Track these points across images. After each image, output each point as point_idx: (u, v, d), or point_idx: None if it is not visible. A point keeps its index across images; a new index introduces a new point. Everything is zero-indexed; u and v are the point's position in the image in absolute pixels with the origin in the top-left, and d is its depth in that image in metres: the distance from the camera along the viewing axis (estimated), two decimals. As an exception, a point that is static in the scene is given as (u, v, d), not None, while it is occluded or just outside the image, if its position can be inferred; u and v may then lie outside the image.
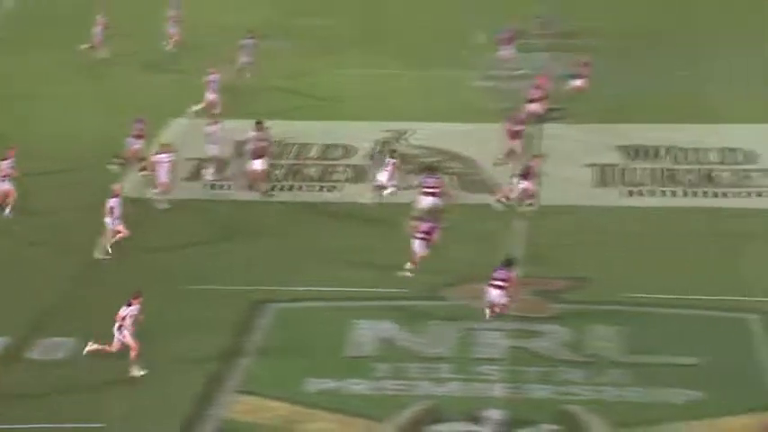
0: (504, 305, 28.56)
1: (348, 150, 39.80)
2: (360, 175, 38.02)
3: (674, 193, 36.59)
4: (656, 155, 39.06)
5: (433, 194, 33.93)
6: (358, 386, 26.08)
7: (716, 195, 36.38)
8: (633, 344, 27.63)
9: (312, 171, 38.34)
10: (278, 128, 38.90)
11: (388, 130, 41.07)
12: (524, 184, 34.49)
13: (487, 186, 36.77)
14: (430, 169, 35.14)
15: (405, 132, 40.97)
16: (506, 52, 47.20)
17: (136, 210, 33.61)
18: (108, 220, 31.86)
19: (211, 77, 41.44)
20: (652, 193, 36.67)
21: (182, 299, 29.74)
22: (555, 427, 24.56)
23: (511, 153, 37.43)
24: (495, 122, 40.06)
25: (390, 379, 26.36)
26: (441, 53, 48.34)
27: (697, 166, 38.21)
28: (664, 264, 31.63)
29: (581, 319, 28.62)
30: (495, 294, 28.46)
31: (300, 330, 28.57)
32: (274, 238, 33.44)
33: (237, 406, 25.46)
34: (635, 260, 31.80)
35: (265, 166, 36.24)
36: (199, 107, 41.01)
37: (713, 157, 38.90)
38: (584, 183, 37.22)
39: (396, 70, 46.84)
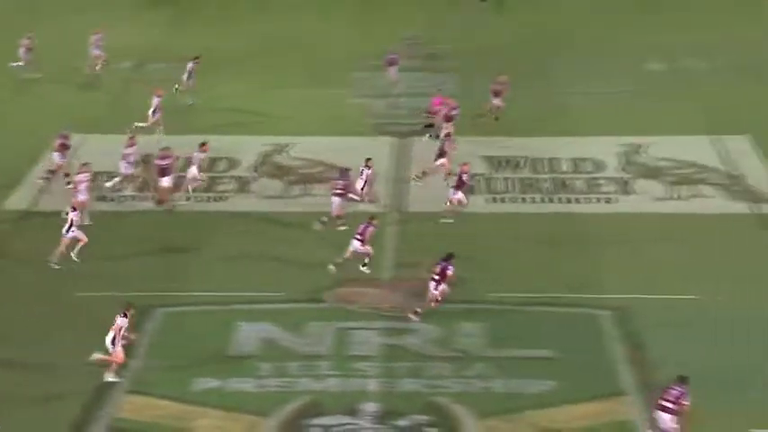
0: (441, 295, 29.18)
1: (232, 163, 40.11)
2: (243, 185, 38.42)
3: (533, 200, 37.52)
4: (517, 165, 39.99)
5: (341, 195, 34.46)
6: (242, 384, 26.47)
7: (569, 201, 37.42)
8: (496, 339, 28.37)
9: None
10: (169, 142, 38.85)
11: (269, 144, 41.48)
12: (458, 195, 35.19)
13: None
14: (342, 171, 35.47)
15: (286, 146, 41.38)
16: (393, 74, 47.96)
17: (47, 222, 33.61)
18: (65, 230, 31.95)
19: (156, 98, 41.40)
20: (514, 200, 37.52)
21: (77, 305, 29.81)
22: (425, 417, 25.24)
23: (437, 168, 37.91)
24: (370, 136, 41.07)
25: (273, 377, 26.77)
26: (321, 73, 48.77)
27: (553, 175, 39.17)
28: (524, 265, 32.40)
29: (448, 318, 29.23)
30: (432, 286, 29.11)
31: (187, 333, 28.82)
32: (165, 247, 33.47)
33: (127, 406, 25.66)
34: (498, 262, 32.48)
35: (171, 183, 36.35)
36: (141, 125, 40.91)
37: (566, 166, 39.81)
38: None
39: (279, 88, 47.07)
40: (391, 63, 48.07)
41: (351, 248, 31.46)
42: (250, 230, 34.66)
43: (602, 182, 38.52)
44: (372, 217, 32.30)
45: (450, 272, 29.19)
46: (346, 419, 25.20)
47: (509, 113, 43.16)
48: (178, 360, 27.34)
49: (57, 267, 31.74)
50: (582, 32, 54.61)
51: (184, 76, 45.23)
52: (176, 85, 45.17)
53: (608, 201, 37.19)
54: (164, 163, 36.35)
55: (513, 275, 31.66)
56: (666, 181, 38.25)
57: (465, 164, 36.13)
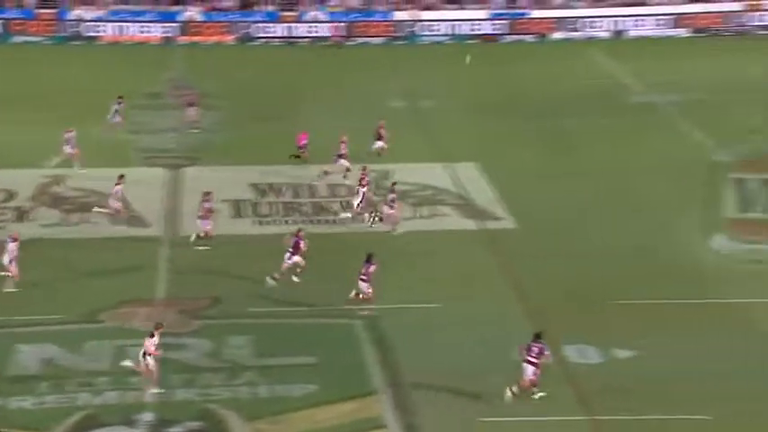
0: (367, 293, 29.85)
1: (11, 194, 38.69)
2: (21, 214, 37.07)
3: (295, 222, 37.59)
4: (280, 191, 40.12)
5: (203, 218, 34.54)
6: (21, 403, 25.40)
7: (328, 222, 37.65)
8: (262, 349, 28.24)
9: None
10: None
11: (47, 176, 40.23)
12: (392, 211, 35.89)
13: (140, 222, 36.90)
14: (205, 194, 35.47)
15: (64, 177, 40.28)
16: (191, 113, 47.57)
17: None
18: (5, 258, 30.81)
19: (68, 135, 40.48)
20: (278, 223, 37.52)
21: None
22: (197, 423, 24.86)
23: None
24: (145, 167, 40.57)
25: (52, 394, 25.82)
26: (95, 112, 47.77)
27: (312, 200, 39.40)
28: (286, 280, 32.24)
29: (219, 332, 28.96)
30: (363, 286, 29.88)
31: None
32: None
33: None
34: (262, 278, 32.07)
35: None
36: (57, 159, 39.51)
37: (324, 191, 40.13)
38: (221, 215, 37.66)
39: (54, 126, 45.77)
40: (190, 104, 47.84)
41: (285, 262, 31.35)
42: (30, 257, 33.34)
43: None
44: (299, 230, 32.45)
45: (372, 269, 30.01)
46: (123, 430, 24.51)
47: (272, 145, 43.31)
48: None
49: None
50: (335, 80, 55.96)
51: (109, 116, 45.03)
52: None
53: (363, 221, 37.56)
54: None
55: (275, 290, 31.48)
56: (410, 203, 39.03)
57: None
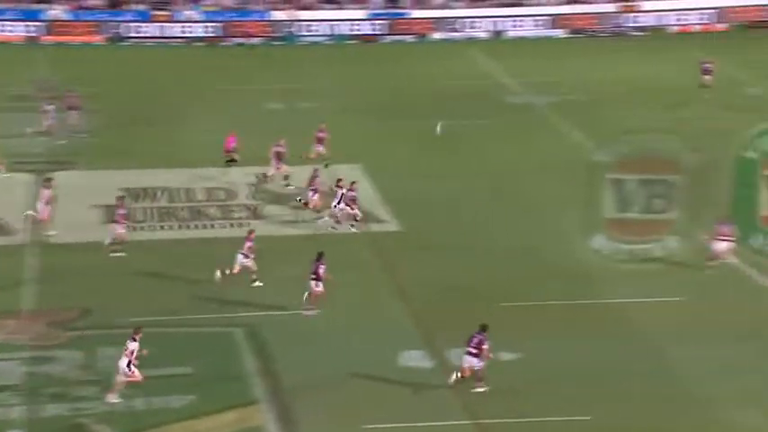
0: (318, 291, 29.84)
1: None
2: None
3: (171, 227, 37.03)
4: (155, 196, 39.39)
5: (117, 222, 34.16)
6: None
7: (205, 227, 37.20)
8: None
9: None
10: None
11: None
12: (354, 211, 36.00)
13: (4, 230, 35.84)
14: (119, 198, 35.04)
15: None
16: (73, 117, 46.44)
17: None
18: None
19: None
20: (153, 228, 36.92)
21: None
22: (69, 439, 24.30)
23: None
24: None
25: None
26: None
27: (189, 204, 38.85)
28: (160, 288, 31.81)
29: (91, 344, 28.29)
30: (312, 285, 29.77)
31: None
32: None
33: None
34: (135, 287, 31.79)
35: None
36: None
37: (201, 195, 39.69)
38: (91, 222, 36.80)
39: None
40: (71, 107, 46.60)
41: (237, 263, 31.27)
42: None
43: (234, 209, 38.55)
44: (251, 231, 32.25)
45: (321, 270, 29.86)
46: (-10, 448, 23.79)
47: (147, 149, 42.57)
48: None
49: None
50: (210, 81, 55.39)
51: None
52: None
53: (241, 225, 37.18)
54: None
55: (150, 299, 31.02)
56: (292, 206, 38.73)
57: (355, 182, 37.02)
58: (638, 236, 34.45)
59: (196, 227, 37.16)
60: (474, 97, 52.70)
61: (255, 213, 38.23)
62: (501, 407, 25.86)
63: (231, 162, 41.93)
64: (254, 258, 31.65)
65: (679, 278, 33.00)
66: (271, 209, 38.61)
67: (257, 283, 31.73)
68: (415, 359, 28.10)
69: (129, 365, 25.76)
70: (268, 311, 30.29)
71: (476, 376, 26.34)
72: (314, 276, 30.20)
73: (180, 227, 36.98)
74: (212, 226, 37.22)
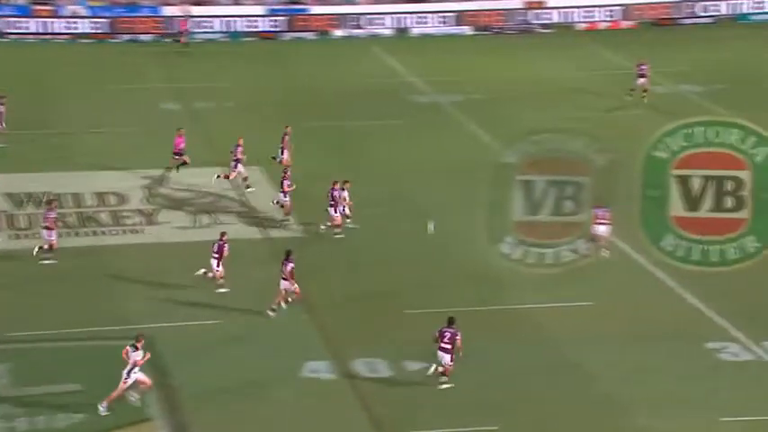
0: (293, 291, 29.93)
1: None
2: None
3: (59, 235, 35.79)
4: (41, 202, 38.10)
5: (48, 228, 33.40)
6: None
7: (96, 234, 36.13)
8: (20, 378, 26.66)
9: None
10: None
11: None
12: (337, 215, 35.62)
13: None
14: (49, 203, 34.06)
15: None
16: None
17: None
18: None
19: None
20: (37, 236, 35.65)
21: None
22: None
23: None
24: None
25: None
26: None
27: (78, 210, 37.74)
28: (50, 300, 30.86)
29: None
30: (285, 285, 29.79)
31: None
32: None
33: None
34: (21, 299, 30.80)
35: None
36: None
37: (91, 200, 38.62)
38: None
39: None
40: None
41: (214, 270, 31.19)
42: None
43: (127, 214, 37.55)
44: (223, 233, 31.80)
45: (289, 268, 29.79)
46: None
47: (32, 151, 41.35)
48: None
49: None
50: (100, 80, 54.29)
51: None
52: None
53: (134, 232, 36.24)
54: None
55: (38, 312, 30.02)
56: (188, 211, 37.90)
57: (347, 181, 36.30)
58: (548, 239, 34.35)
59: (86, 234, 36.04)
60: (379, 96, 52.30)
61: (151, 219, 37.26)
62: (408, 418, 25.44)
63: (182, 164, 40.69)
64: (222, 263, 31.26)
65: (590, 281, 32.92)
66: (167, 214, 37.65)
67: (222, 290, 31.22)
68: (318, 370, 27.57)
69: (128, 373, 25.23)
70: (163, 323, 29.43)
71: (445, 371, 26.40)
72: (284, 276, 29.88)
73: (69, 234, 35.79)
74: (103, 233, 36.14)
